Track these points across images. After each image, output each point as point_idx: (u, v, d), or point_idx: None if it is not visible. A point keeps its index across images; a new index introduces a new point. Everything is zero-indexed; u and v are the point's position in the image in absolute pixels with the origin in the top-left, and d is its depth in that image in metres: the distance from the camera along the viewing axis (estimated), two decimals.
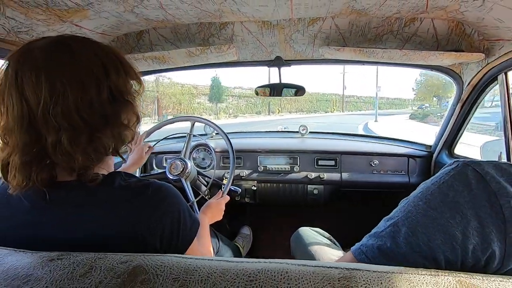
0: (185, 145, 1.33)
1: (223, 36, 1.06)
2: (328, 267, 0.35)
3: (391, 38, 1.02)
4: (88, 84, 0.45)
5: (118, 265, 0.36)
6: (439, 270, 0.34)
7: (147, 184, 0.49)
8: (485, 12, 0.78)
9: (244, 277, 0.34)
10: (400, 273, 0.34)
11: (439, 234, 0.38)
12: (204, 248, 0.84)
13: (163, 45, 1.09)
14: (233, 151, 1.22)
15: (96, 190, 0.47)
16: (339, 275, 0.33)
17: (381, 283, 0.32)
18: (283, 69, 1.32)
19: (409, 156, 1.51)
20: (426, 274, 0.33)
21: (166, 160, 1.64)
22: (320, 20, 0.96)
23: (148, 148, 1.19)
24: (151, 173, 1.58)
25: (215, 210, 1.03)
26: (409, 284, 0.32)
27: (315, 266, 0.35)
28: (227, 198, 1.13)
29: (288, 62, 1.28)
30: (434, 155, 1.46)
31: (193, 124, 1.35)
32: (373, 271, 0.34)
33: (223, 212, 1.07)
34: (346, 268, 0.35)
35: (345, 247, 1.08)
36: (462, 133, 1.31)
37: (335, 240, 1.12)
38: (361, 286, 0.32)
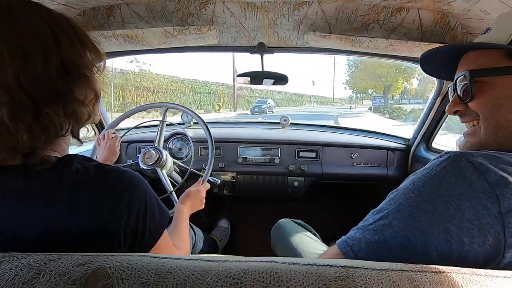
0: (158, 133, 1.26)
1: (203, 17, 0.99)
2: (322, 265, 0.31)
3: (377, 28, 1.00)
4: (33, 53, 0.37)
5: (73, 268, 0.30)
6: (440, 267, 0.32)
7: (109, 169, 0.43)
8: (472, 2, 0.77)
9: (227, 279, 0.29)
10: (400, 270, 0.31)
11: (432, 227, 0.36)
12: (181, 241, 0.78)
13: (136, 23, 1.00)
14: (211, 137, 1.17)
15: (47, 176, 0.40)
16: (335, 274, 0.30)
17: (381, 283, 0.29)
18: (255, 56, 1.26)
19: (388, 149, 1.53)
20: (427, 271, 0.31)
21: (139, 149, 1.55)
22: (306, 5, 0.92)
23: (113, 135, 1.11)
24: (122, 164, 1.48)
25: (195, 198, 0.98)
26: (411, 283, 0.29)
27: (307, 265, 0.31)
28: (207, 185, 1.07)
29: (271, 49, 1.23)
30: (412, 148, 1.48)
31: (166, 111, 1.28)
32: (371, 269, 0.31)
33: (204, 201, 1.02)
34: (341, 266, 0.31)
35: (325, 239, 1.06)
36: (440, 127, 1.33)
37: (316, 233, 1.11)
38: (360, 286, 0.29)
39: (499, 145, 0.46)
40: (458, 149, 0.53)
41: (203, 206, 1.01)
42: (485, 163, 0.36)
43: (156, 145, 1.22)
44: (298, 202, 1.85)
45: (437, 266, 0.31)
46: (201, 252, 1.32)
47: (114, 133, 1.13)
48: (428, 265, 0.31)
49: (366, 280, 0.29)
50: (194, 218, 1.13)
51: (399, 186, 0.43)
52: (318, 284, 0.29)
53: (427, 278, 0.29)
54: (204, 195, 1.03)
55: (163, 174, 1.15)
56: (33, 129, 0.38)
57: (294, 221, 1.14)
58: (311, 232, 1.10)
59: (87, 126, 0.48)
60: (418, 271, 0.30)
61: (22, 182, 0.39)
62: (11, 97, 0.36)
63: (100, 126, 1.45)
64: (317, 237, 1.09)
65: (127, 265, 0.30)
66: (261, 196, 1.72)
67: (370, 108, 31.17)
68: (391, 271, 0.30)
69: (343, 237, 0.47)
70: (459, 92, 0.50)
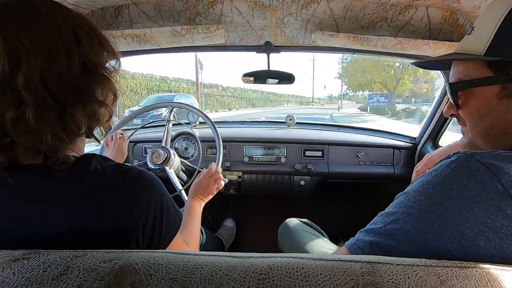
0: (165, 133, 1.26)
1: (211, 16, 0.99)
2: (348, 261, 0.31)
3: (385, 26, 1.00)
4: (57, 52, 0.38)
5: (101, 265, 0.30)
6: (465, 262, 0.31)
7: (126, 169, 0.44)
8: (482, 0, 0.77)
9: (254, 275, 0.29)
10: (425, 265, 0.31)
11: (445, 232, 0.35)
12: (190, 237, 0.78)
13: (144, 23, 1.00)
14: (217, 133, 1.17)
15: (67, 175, 0.40)
16: (361, 269, 0.30)
17: (408, 278, 0.29)
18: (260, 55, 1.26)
19: (394, 147, 1.52)
20: (453, 266, 0.31)
21: (145, 149, 1.55)
22: (314, 3, 0.92)
23: (121, 136, 1.11)
24: (130, 164, 1.49)
25: (203, 187, 0.94)
26: (438, 278, 0.29)
27: (333, 260, 0.31)
28: (214, 168, 1.01)
29: (278, 48, 1.23)
30: (419, 147, 1.48)
31: (171, 111, 1.29)
32: (397, 264, 0.31)
33: (214, 183, 0.97)
34: (367, 262, 0.31)
35: (332, 238, 1.06)
36: (447, 126, 1.33)
37: (323, 232, 1.11)
38: (387, 281, 0.29)
39: (491, 148, 0.47)
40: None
41: (214, 191, 0.97)
42: (496, 163, 0.35)
43: (163, 144, 1.23)
44: (305, 201, 1.85)
45: (461, 262, 0.31)
46: (207, 250, 1.32)
47: (121, 134, 1.14)
48: (452, 261, 0.31)
49: (393, 275, 0.29)
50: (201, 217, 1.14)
51: (407, 189, 0.42)
52: (346, 279, 0.29)
53: (453, 273, 0.29)
54: (210, 180, 0.97)
55: (172, 173, 1.15)
56: (57, 129, 0.38)
57: (301, 221, 1.14)
58: (318, 231, 1.10)
59: None
60: (444, 266, 0.30)
61: (42, 182, 0.40)
62: (36, 97, 0.36)
63: (107, 126, 1.46)
64: (325, 236, 1.08)
65: (153, 261, 0.30)
66: (267, 195, 1.72)
67: (361, 109, 28.57)
68: (416, 267, 0.30)
69: (351, 239, 0.46)
70: (450, 99, 0.50)
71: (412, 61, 1.25)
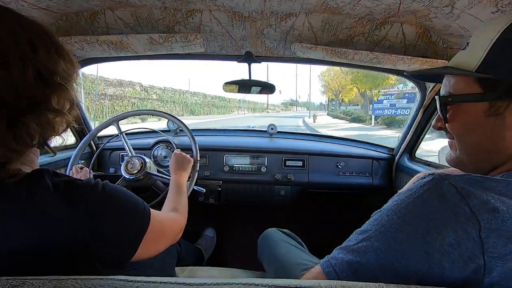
0: (124, 144, 1.22)
1: (190, 25, 0.98)
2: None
3: (362, 41, 1.02)
4: (10, 59, 0.36)
5: None
6: (419, 286, 0.31)
7: (79, 184, 0.42)
8: (452, 19, 0.80)
9: None
10: None
11: (413, 251, 0.35)
12: (179, 203, 0.81)
13: (121, 29, 0.98)
14: (193, 137, 1.17)
15: (18, 190, 0.38)
16: None
17: None
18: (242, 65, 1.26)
19: (373, 158, 1.55)
20: None
21: (122, 157, 1.51)
22: (293, 16, 0.93)
23: (81, 170, 1.06)
24: (105, 174, 1.44)
25: (179, 162, 1.02)
26: None
27: (276, 286, 0.30)
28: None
29: (259, 58, 1.23)
30: (396, 158, 1.51)
31: (118, 122, 1.25)
32: None
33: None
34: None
35: (312, 248, 1.06)
36: (423, 138, 1.37)
37: (302, 243, 1.10)
38: None
39: (475, 166, 0.47)
40: (439, 158, 0.55)
41: (190, 163, 1.06)
42: (467, 187, 0.36)
43: (130, 155, 1.19)
44: (285, 210, 1.84)
45: (416, 286, 0.31)
46: (186, 261, 1.28)
47: (81, 167, 1.08)
48: (409, 285, 0.31)
49: None
50: None
51: (383, 207, 0.42)
52: None
53: None
54: (181, 155, 1.07)
55: (155, 173, 1.15)
56: (7, 139, 0.36)
57: (281, 231, 1.13)
58: (297, 242, 1.10)
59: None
60: None
61: None
62: None
63: (81, 133, 1.41)
64: (304, 247, 1.08)
65: None
66: (248, 205, 1.71)
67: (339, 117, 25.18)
68: None
69: (326, 257, 0.46)
70: (439, 112, 0.51)
71: (390, 74, 1.29)
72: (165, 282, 0.30)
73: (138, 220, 0.48)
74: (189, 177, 1.07)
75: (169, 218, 0.65)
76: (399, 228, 0.37)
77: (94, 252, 0.40)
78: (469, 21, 0.77)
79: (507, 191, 0.35)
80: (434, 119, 0.53)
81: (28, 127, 0.38)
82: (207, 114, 28.26)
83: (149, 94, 19.72)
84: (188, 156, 1.07)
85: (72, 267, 0.39)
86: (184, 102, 24.70)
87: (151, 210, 0.52)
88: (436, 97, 0.49)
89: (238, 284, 0.30)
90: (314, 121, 21.53)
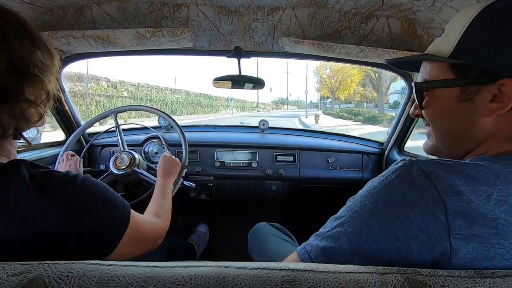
0: (119, 138, 1.22)
1: (177, 20, 0.98)
2: (272, 269, 0.31)
3: (349, 35, 1.03)
4: None
5: (8, 278, 0.28)
6: (387, 267, 0.32)
7: (57, 176, 0.42)
8: (435, 12, 0.81)
9: (171, 285, 0.28)
10: (348, 272, 0.31)
11: (384, 235, 0.36)
12: (162, 210, 0.79)
13: (108, 24, 0.97)
14: (185, 139, 1.16)
15: None
16: (283, 278, 0.30)
17: (328, 285, 0.29)
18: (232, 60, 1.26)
19: (363, 152, 1.57)
20: (374, 272, 0.31)
21: (112, 153, 1.50)
22: (280, 10, 0.93)
23: (72, 157, 1.06)
24: (94, 169, 1.43)
25: (166, 166, 1.01)
26: (356, 284, 0.29)
27: (257, 269, 0.31)
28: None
29: (248, 53, 1.24)
30: (386, 152, 1.53)
31: (116, 115, 1.25)
32: (320, 272, 0.31)
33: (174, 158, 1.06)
34: (291, 269, 0.31)
35: (301, 243, 1.07)
36: (411, 131, 1.38)
37: (292, 236, 1.11)
38: None
39: (449, 152, 0.48)
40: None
41: (179, 165, 1.05)
42: (435, 171, 0.36)
43: (121, 149, 1.19)
44: (277, 205, 1.85)
45: (385, 267, 0.32)
46: (178, 258, 1.29)
47: (72, 154, 1.08)
48: (377, 267, 0.32)
49: (313, 282, 0.29)
50: (171, 224, 1.11)
51: (357, 193, 0.43)
52: None
53: (373, 279, 0.30)
54: (171, 157, 1.07)
55: (142, 171, 1.13)
56: None
57: (271, 225, 1.14)
58: (287, 235, 1.11)
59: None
60: (366, 272, 0.31)
61: None
62: None
63: (70, 128, 1.40)
64: (294, 240, 1.09)
65: (67, 273, 0.29)
66: (240, 200, 1.71)
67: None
68: (338, 273, 0.31)
69: (303, 244, 0.47)
70: (415, 99, 0.52)
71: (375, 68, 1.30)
72: (137, 266, 0.31)
73: (118, 217, 0.47)
74: (175, 181, 1.06)
75: (150, 222, 0.64)
76: (370, 214, 0.38)
77: (69, 248, 0.39)
78: (451, 14, 0.78)
79: (473, 173, 0.36)
80: (412, 107, 0.54)
81: (0, 117, 0.38)
82: (190, 114, 26.07)
83: (119, 91, 17.19)
84: (177, 160, 1.06)
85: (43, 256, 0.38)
86: (163, 100, 22.30)
87: (131, 211, 0.51)
88: (413, 84, 0.50)
89: (208, 266, 0.31)
90: (316, 122, 19.39)
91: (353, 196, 0.43)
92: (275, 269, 0.31)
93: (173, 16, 0.96)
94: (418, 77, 0.52)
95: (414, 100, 0.52)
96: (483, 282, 0.30)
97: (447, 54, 0.44)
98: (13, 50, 0.39)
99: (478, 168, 0.37)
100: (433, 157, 0.50)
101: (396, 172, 0.39)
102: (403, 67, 0.74)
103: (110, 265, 0.31)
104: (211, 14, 0.95)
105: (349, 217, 0.40)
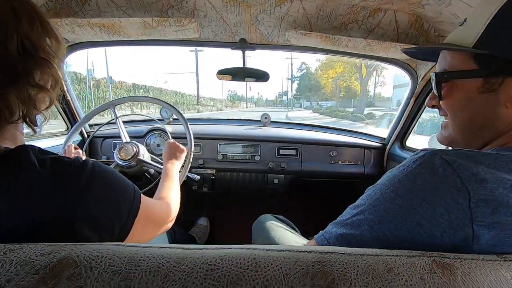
0: (120, 130, 1.21)
1: (184, 9, 0.97)
2: (300, 251, 0.31)
3: (356, 28, 1.03)
4: None
5: (37, 258, 0.28)
6: (413, 251, 0.33)
7: (66, 161, 0.41)
8: (444, 6, 0.82)
9: (203, 266, 0.28)
10: (375, 255, 0.31)
11: (406, 222, 0.37)
12: (170, 189, 0.80)
13: (113, 12, 0.96)
14: (188, 127, 1.16)
15: (1, 166, 0.37)
16: (313, 259, 0.30)
17: (357, 266, 0.30)
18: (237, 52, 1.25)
19: (365, 147, 1.58)
20: (401, 255, 0.32)
21: (114, 145, 1.49)
22: (288, 2, 0.93)
23: (75, 150, 1.05)
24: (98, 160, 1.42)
25: (172, 152, 1.02)
26: (385, 266, 0.30)
27: (286, 251, 0.31)
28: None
29: (253, 46, 1.23)
30: (388, 147, 1.54)
31: (115, 107, 1.24)
32: (348, 254, 0.31)
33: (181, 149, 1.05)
34: (319, 252, 0.31)
35: (304, 234, 1.08)
36: (414, 126, 1.39)
37: (296, 228, 1.12)
38: (337, 270, 0.29)
39: (467, 142, 0.48)
40: (429, 147, 0.56)
41: (183, 151, 1.05)
42: (458, 160, 0.37)
43: (124, 141, 1.18)
44: (278, 199, 1.86)
45: (410, 251, 0.32)
46: None
47: (75, 147, 1.07)
48: (403, 250, 0.33)
49: (343, 264, 0.30)
50: None
51: (377, 182, 0.43)
52: (296, 269, 0.29)
53: (400, 261, 0.30)
54: (174, 144, 1.07)
55: (147, 159, 1.14)
56: None
57: (275, 216, 1.15)
58: (291, 227, 1.12)
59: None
60: (393, 255, 0.31)
61: None
62: None
63: (72, 119, 1.39)
64: (297, 232, 1.10)
65: (96, 254, 0.29)
66: (241, 193, 1.72)
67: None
68: (367, 256, 0.31)
69: (321, 232, 0.47)
70: (434, 89, 0.51)
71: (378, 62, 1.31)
72: (165, 247, 0.31)
73: (129, 202, 0.46)
74: (182, 166, 1.07)
75: (160, 204, 0.64)
76: (392, 201, 0.38)
77: (84, 233, 0.39)
78: (461, 8, 0.79)
79: (495, 163, 0.37)
80: (428, 98, 0.53)
81: (8, 100, 0.37)
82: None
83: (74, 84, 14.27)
84: (181, 145, 1.06)
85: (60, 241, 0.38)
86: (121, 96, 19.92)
87: (141, 195, 0.51)
88: (432, 74, 0.50)
89: (236, 248, 0.31)
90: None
91: (372, 185, 0.44)
92: (304, 251, 0.31)
93: (180, 6, 0.95)
94: (437, 67, 0.51)
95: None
96: (508, 265, 0.31)
97: (470, 43, 0.43)
98: (25, 33, 0.38)
99: (501, 158, 0.37)
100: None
101: (417, 162, 0.39)
102: (417, 57, 0.73)
103: (138, 246, 0.31)
104: (218, 4, 0.94)
105: (369, 205, 0.41)
